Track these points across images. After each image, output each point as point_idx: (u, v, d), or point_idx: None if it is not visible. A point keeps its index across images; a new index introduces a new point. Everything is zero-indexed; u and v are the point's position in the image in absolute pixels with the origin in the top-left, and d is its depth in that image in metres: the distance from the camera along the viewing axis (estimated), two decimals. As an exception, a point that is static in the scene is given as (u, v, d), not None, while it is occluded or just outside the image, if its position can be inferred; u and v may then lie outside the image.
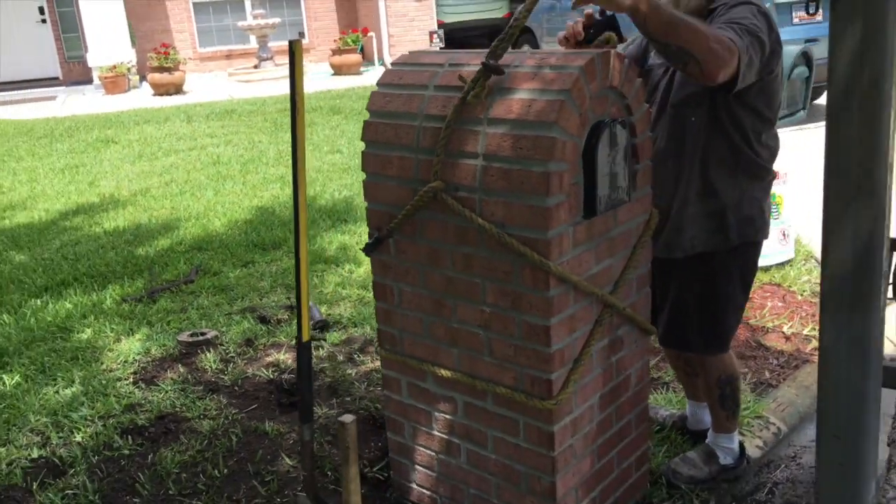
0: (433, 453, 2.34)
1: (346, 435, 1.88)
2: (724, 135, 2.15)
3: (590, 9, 2.14)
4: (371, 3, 14.17)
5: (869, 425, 1.15)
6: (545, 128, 1.82)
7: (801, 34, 7.33)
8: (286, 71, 13.67)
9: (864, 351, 1.12)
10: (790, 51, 3.03)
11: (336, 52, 13.69)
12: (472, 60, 2.06)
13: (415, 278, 2.19)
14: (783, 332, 3.40)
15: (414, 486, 2.44)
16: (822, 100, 8.45)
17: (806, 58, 3.10)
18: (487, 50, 1.92)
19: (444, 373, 2.18)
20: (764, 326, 3.44)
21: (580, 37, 2.16)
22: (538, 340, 1.95)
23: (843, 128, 1.06)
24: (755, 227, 2.28)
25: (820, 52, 6.97)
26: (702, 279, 2.30)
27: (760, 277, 3.93)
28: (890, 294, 1.94)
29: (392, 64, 2.25)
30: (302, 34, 15.56)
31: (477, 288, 2.04)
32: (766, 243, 3.91)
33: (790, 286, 3.82)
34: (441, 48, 14.01)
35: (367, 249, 2.21)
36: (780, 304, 3.65)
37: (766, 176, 2.27)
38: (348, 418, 1.87)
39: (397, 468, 2.48)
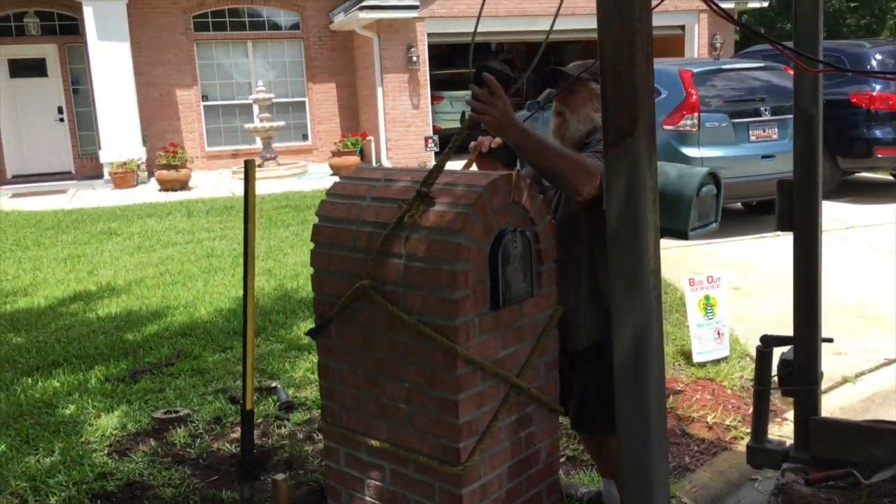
0: (365, 517, 2.63)
1: (277, 491, 2.19)
2: (604, 241, 2.57)
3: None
4: (372, 109, 15.01)
5: (656, 474, 1.49)
6: (453, 234, 2.22)
7: (759, 150, 7.91)
8: (288, 170, 14.39)
9: (648, 419, 1.47)
10: (697, 172, 3.46)
11: (336, 153, 14.42)
12: (403, 177, 2.49)
13: (352, 359, 2.54)
14: (706, 422, 3.70)
15: (349, 549, 2.71)
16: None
17: (714, 177, 3.53)
18: (420, 169, 2.35)
19: (374, 443, 2.50)
20: (690, 416, 3.75)
21: (484, 149, 2.62)
22: (449, 413, 2.29)
23: (618, 243, 1.45)
24: None
25: (776, 166, 7.48)
26: (600, 367, 2.65)
27: (694, 372, 4.26)
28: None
29: (340, 177, 2.68)
30: (305, 136, 16.39)
31: (401, 368, 2.39)
32: (701, 341, 4.24)
33: (722, 381, 4.14)
34: (435, 152, 14.75)
35: (312, 333, 2.58)
36: (708, 396, 3.97)
37: None
38: (280, 476, 2.19)
39: (335, 533, 2.75)
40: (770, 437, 2.90)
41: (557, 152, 2.32)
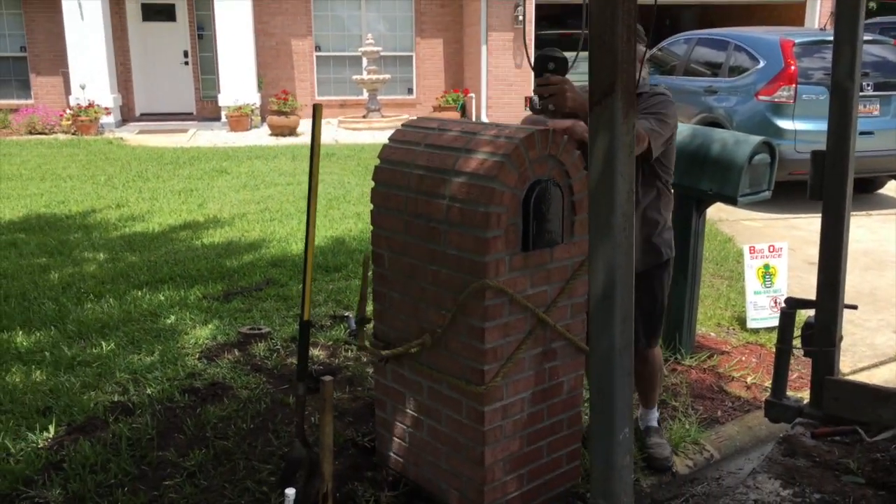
0: (404, 427, 2.99)
1: (325, 390, 2.57)
2: (649, 184, 2.98)
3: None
4: (475, 66, 15.21)
5: (617, 385, 1.75)
6: (489, 180, 2.50)
7: (858, 126, 7.64)
8: (390, 122, 14.84)
9: (613, 338, 1.73)
10: (752, 140, 3.58)
11: (437, 108, 14.74)
12: (454, 127, 2.78)
13: (401, 287, 2.88)
14: (745, 382, 3.86)
15: (391, 453, 3.08)
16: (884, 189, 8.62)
17: (769, 146, 3.64)
18: (471, 122, 2.63)
19: (415, 363, 2.85)
20: (730, 375, 3.91)
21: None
22: (476, 339, 2.60)
23: (597, 188, 1.70)
24: (672, 245, 3.17)
25: (875, 143, 7.27)
26: (642, 291, 2.92)
27: (745, 336, 4.39)
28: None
29: (402, 125, 2.99)
30: (410, 90, 16.78)
31: (440, 297, 2.71)
32: (756, 308, 4.37)
33: (771, 346, 4.25)
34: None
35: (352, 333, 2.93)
36: (754, 359, 4.10)
37: (671, 208, 3.16)
38: (327, 378, 2.57)
39: (380, 439, 3.14)
40: (788, 394, 3.06)
41: None
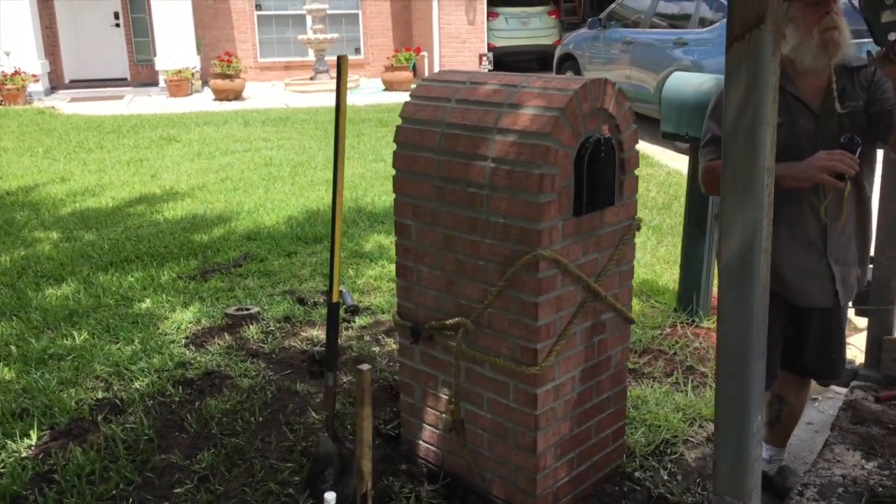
0: (438, 413, 2.73)
1: (362, 380, 2.28)
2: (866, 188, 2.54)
3: None
4: (426, 24, 14.74)
5: (754, 368, 1.52)
6: (542, 137, 2.22)
7: None
8: (340, 84, 14.33)
9: (750, 312, 1.49)
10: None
11: (389, 68, 14.26)
12: (489, 80, 2.47)
13: (431, 260, 2.59)
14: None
15: (420, 442, 2.82)
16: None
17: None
18: (504, 74, 2.33)
19: (451, 343, 2.57)
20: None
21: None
22: (528, 315, 2.34)
23: (734, 139, 1.44)
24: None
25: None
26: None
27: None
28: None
29: (423, 80, 2.67)
30: (358, 50, 16.21)
31: (481, 269, 2.44)
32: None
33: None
34: (489, 70, 14.51)
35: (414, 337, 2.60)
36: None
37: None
38: (365, 367, 2.27)
39: (407, 426, 2.87)
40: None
41: None
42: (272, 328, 3.83)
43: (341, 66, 2.17)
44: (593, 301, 2.49)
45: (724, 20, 7.99)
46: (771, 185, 1.44)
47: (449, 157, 2.44)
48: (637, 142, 2.53)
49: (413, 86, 14.27)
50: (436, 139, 2.48)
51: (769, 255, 1.49)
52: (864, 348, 2.82)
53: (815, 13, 2.32)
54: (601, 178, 2.38)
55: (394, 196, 2.64)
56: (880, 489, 2.07)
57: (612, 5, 10.61)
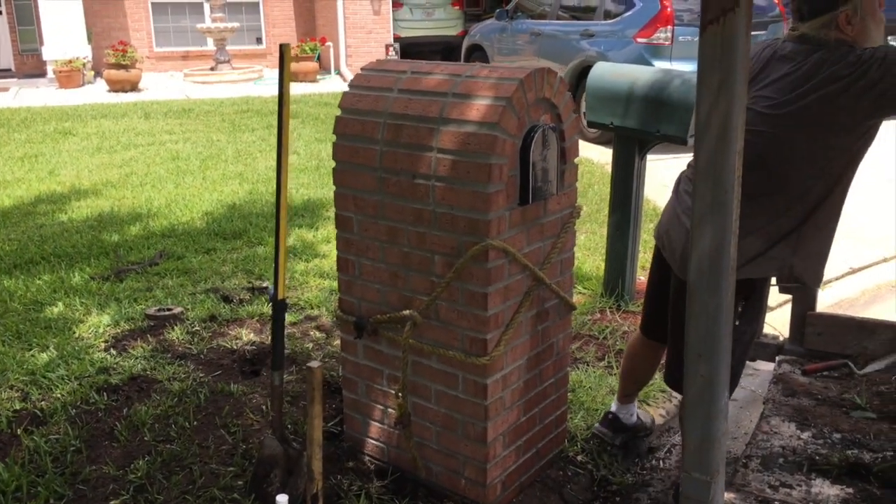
0: (383, 408, 2.69)
1: (312, 378, 2.22)
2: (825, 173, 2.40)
3: None
4: (330, 13, 14.51)
5: (722, 345, 1.57)
6: (490, 127, 2.22)
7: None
8: (243, 75, 13.92)
9: (719, 289, 1.53)
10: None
11: (294, 59, 13.96)
12: (433, 69, 2.45)
13: (374, 253, 2.55)
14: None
15: (365, 438, 2.78)
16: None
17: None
18: (446, 63, 2.31)
19: (398, 336, 2.54)
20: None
21: None
22: (477, 305, 2.34)
23: (707, 127, 1.47)
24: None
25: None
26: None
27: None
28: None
29: (361, 69, 2.62)
30: (259, 40, 15.80)
31: (428, 261, 2.42)
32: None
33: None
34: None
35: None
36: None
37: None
38: (315, 364, 2.22)
39: (350, 423, 2.82)
40: (765, 332, 3.05)
41: None
42: (197, 328, 3.69)
43: (283, 55, 2.09)
44: (538, 289, 2.51)
45: (628, 12, 8.28)
46: (739, 171, 1.48)
47: (393, 147, 2.40)
48: (577, 131, 2.57)
49: (319, 77, 14.06)
50: (378, 130, 2.44)
51: (737, 238, 1.53)
52: (787, 323, 2.97)
53: (881, 7, 2.28)
54: (545, 168, 2.40)
55: (334, 189, 2.58)
56: (817, 458, 2.19)
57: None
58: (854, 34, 2.22)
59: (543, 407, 2.71)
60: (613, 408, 2.97)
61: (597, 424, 2.98)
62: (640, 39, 7.84)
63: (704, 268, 1.51)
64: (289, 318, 3.85)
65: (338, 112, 2.53)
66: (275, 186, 6.22)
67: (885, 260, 5.03)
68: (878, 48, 2.18)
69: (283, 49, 2.10)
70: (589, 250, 4.89)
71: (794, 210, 2.25)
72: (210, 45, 14.62)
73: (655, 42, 7.68)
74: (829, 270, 4.63)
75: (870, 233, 5.35)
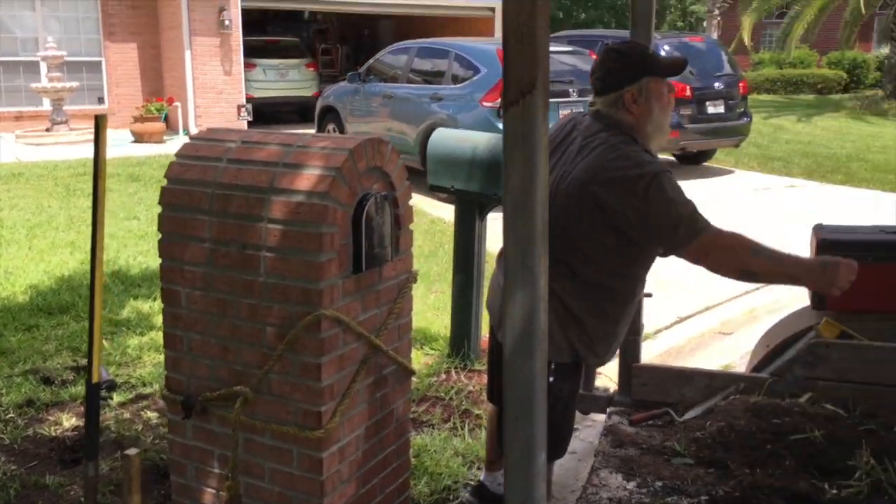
0: (215, 491, 2.54)
1: (130, 466, 2.07)
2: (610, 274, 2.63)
3: None
4: (178, 73, 14.16)
5: (537, 407, 1.60)
6: (321, 197, 2.20)
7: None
8: (82, 136, 13.21)
9: (533, 351, 1.56)
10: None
11: (139, 119, 13.45)
12: (263, 139, 2.41)
13: (203, 327, 2.44)
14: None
15: (197, 524, 2.61)
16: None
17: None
18: (279, 133, 2.28)
19: (228, 413, 2.42)
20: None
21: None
22: (311, 376, 2.27)
23: (518, 204, 1.52)
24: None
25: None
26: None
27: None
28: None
29: (191, 137, 2.55)
30: (101, 99, 15.13)
31: (259, 333, 2.34)
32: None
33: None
34: (248, 122, 14.25)
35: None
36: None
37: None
38: (132, 451, 2.07)
39: (181, 509, 2.64)
40: (597, 385, 3.16)
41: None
42: (12, 415, 3.37)
43: (99, 127, 1.99)
44: (375, 356, 2.49)
45: (475, 77, 8.63)
46: (546, 245, 1.54)
47: (222, 218, 2.33)
48: (410, 197, 2.60)
49: (167, 138, 13.61)
50: (207, 200, 2.36)
51: (546, 313, 1.58)
52: (616, 375, 3.10)
53: (670, 94, 2.43)
54: (378, 235, 2.40)
55: (160, 261, 2.46)
56: (642, 509, 2.26)
57: (371, 60, 10.94)
58: (638, 114, 2.40)
59: (384, 476, 2.65)
60: (482, 477, 2.96)
61: (465, 493, 2.96)
62: (485, 104, 8.16)
63: (517, 332, 1.54)
64: (118, 397, 3.60)
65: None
66: (110, 253, 5.88)
67: (707, 308, 5.39)
68: (655, 171, 2.27)
69: (99, 120, 2.00)
70: (438, 310, 4.93)
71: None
72: (46, 106, 13.83)
73: (500, 106, 8.02)
74: (659, 320, 4.96)
75: (694, 282, 5.75)
